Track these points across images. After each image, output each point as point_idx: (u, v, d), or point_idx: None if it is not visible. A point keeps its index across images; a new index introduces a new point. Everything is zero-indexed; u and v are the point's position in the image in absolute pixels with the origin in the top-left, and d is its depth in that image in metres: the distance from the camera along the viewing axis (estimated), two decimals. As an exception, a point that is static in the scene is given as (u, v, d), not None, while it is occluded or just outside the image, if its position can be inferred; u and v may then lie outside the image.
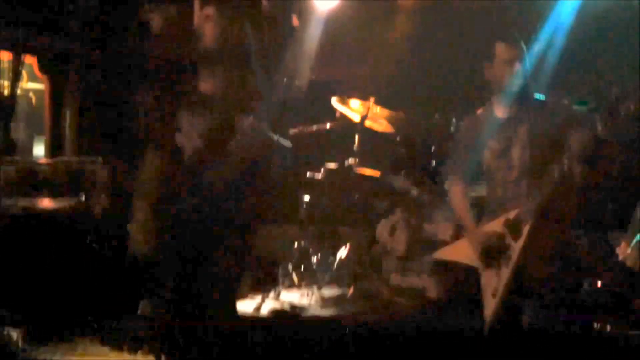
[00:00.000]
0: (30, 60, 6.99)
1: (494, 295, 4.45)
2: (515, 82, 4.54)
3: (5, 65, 6.80)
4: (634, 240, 5.65)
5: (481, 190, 4.98)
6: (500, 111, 4.64)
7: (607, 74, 7.30)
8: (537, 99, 4.61)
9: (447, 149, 6.59)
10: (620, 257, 5.64)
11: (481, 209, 4.79)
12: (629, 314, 5.47)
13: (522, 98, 4.57)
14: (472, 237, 4.61)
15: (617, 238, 5.78)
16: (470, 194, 4.91)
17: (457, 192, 4.85)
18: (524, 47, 4.59)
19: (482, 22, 8.05)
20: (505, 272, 4.42)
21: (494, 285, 4.46)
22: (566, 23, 7.13)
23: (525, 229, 4.38)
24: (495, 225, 4.51)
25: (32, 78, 7.51)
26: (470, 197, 4.85)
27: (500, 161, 4.57)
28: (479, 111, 4.81)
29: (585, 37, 7.45)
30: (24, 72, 6.96)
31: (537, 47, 5.20)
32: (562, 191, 4.36)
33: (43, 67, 6.81)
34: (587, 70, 7.48)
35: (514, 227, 4.40)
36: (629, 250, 5.63)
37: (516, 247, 4.41)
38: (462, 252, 4.74)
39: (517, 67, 4.56)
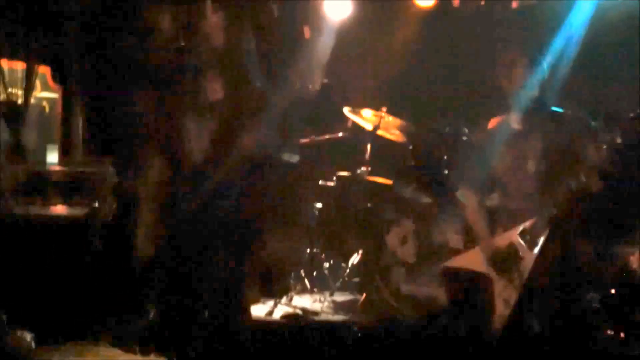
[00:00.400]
0: (43, 69, 7.05)
1: (506, 304, 4.44)
2: (531, 94, 4.53)
3: (19, 74, 6.85)
4: (644, 249, 5.63)
5: (495, 201, 4.97)
6: (516, 123, 4.63)
7: (621, 88, 7.32)
8: (552, 111, 4.60)
9: (459, 159, 6.59)
10: (633, 267, 5.62)
11: (495, 220, 4.78)
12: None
13: (538, 110, 4.56)
14: (486, 246, 4.60)
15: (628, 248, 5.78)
16: (484, 204, 4.89)
17: (471, 202, 4.84)
18: (540, 59, 4.59)
19: (497, 34, 8.07)
20: (519, 282, 4.40)
21: (506, 294, 4.45)
22: (579, 34, 7.13)
23: (541, 239, 4.37)
24: (510, 235, 4.50)
25: (45, 87, 7.56)
26: (484, 207, 4.84)
27: (515, 172, 4.56)
28: (495, 122, 4.80)
29: (601, 50, 7.45)
30: (37, 81, 7.01)
31: (553, 59, 5.17)
32: (577, 202, 4.34)
33: (56, 77, 6.88)
34: (603, 83, 7.49)
35: (529, 237, 4.38)
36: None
37: (531, 256, 4.39)
38: (475, 261, 4.74)
39: (533, 79, 4.56)
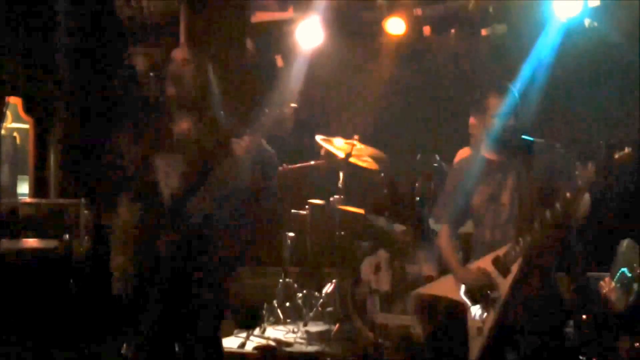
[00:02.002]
0: (15, 100, 7.02)
1: (480, 332, 4.44)
2: (503, 123, 4.54)
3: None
4: (617, 276, 5.68)
5: (468, 231, 4.98)
6: (490, 155, 4.64)
7: (593, 115, 7.41)
8: (526, 142, 4.61)
9: (431, 187, 6.62)
10: (604, 293, 5.66)
11: (468, 251, 4.78)
12: (614, 350, 5.48)
13: (511, 141, 4.57)
14: (459, 274, 4.60)
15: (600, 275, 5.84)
16: (457, 236, 4.90)
17: (444, 234, 4.84)
18: (512, 87, 4.61)
19: (468, 62, 8.14)
20: (493, 310, 4.40)
21: (480, 322, 4.45)
22: (548, 61, 7.20)
23: (515, 267, 4.38)
24: (483, 263, 4.50)
25: (17, 118, 7.52)
26: (457, 239, 4.84)
27: (489, 204, 4.57)
28: (468, 151, 4.82)
29: (571, 77, 7.54)
30: (8, 112, 6.97)
31: (524, 86, 5.20)
32: (551, 231, 4.36)
33: (28, 108, 6.85)
34: (574, 111, 7.58)
35: (502, 265, 4.39)
36: (612, 285, 5.65)
37: (505, 284, 4.40)
38: (448, 288, 4.72)
39: (505, 107, 4.57)
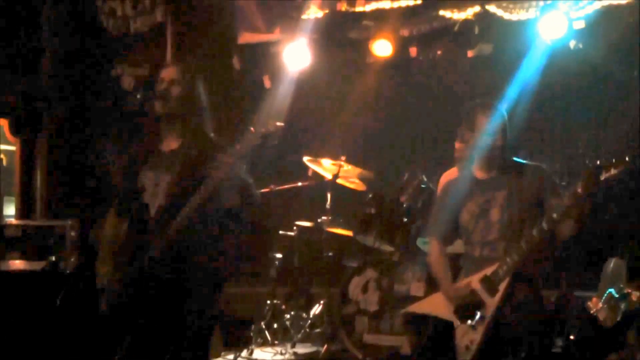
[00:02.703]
0: (1, 122, 7.01)
1: (467, 350, 4.44)
2: (492, 142, 4.56)
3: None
4: (605, 295, 5.69)
5: (458, 249, 4.99)
6: (479, 173, 4.66)
7: (582, 138, 7.45)
8: (515, 162, 4.64)
9: (419, 207, 6.63)
10: (592, 312, 5.67)
11: (457, 268, 4.79)
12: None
13: (500, 159, 4.60)
14: (448, 291, 4.61)
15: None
16: (447, 252, 4.90)
17: (434, 249, 4.85)
18: (500, 107, 4.64)
19: (454, 83, 8.18)
20: (480, 328, 4.41)
21: (468, 339, 4.45)
22: (534, 81, 7.25)
23: (502, 286, 4.39)
24: (471, 281, 4.51)
25: (3, 139, 7.52)
26: (446, 256, 4.85)
27: (478, 222, 4.59)
28: (458, 172, 4.83)
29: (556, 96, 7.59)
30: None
31: (511, 106, 5.22)
32: (538, 250, 4.38)
33: (14, 130, 6.84)
34: (563, 133, 7.62)
35: (490, 284, 4.40)
36: (599, 305, 5.67)
37: (492, 303, 4.41)
38: (437, 306, 4.72)
39: (493, 127, 4.60)
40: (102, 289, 4.17)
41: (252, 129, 3.97)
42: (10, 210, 7.26)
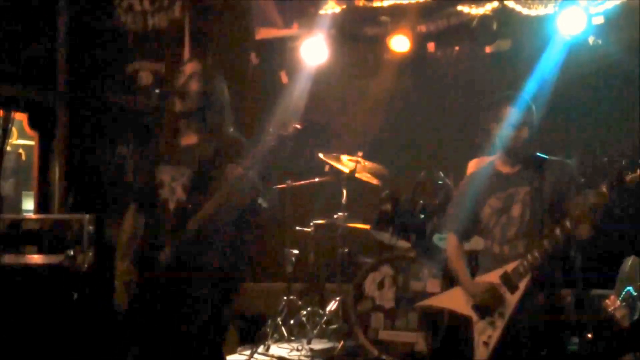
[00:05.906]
0: (20, 116, 7.04)
1: (485, 347, 4.42)
2: (516, 136, 4.51)
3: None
4: (622, 293, 5.66)
5: (476, 245, 4.96)
6: (502, 167, 4.62)
7: (600, 135, 7.40)
8: (539, 157, 4.59)
9: (435, 204, 6.61)
10: (609, 310, 5.64)
11: (476, 264, 4.76)
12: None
13: (524, 153, 4.55)
14: (468, 286, 4.58)
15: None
16: (466, 248, 4.88)
17: (452, 243, 4.81)
18: (529, 104, 4.59)
19: (472, 79, 8.15)
20: (499, 324, 4.39)
21: (486, 335, 4.43)
22: (552, 77, 7.21)
23: (523, 284, 4.37)
24: (492, 277, 4.48)
25: (22, 134, 7.55)
26: (466, 252, 4.82)
27: (499, 216, 4.55)
28: (477, 165, 4.80)
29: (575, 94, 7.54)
30: (14, 129, 7.00)
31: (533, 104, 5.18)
32: (559, 247, 4.34)
33: (33, 124, 6.87)
34: (581, 130, 7.57)
35: (511, 281, 4.38)
36: (617, 303, 5.64)
37: (512, 300, 4.39)
38: (455, 300, 4.69)
39: (521, 124, 4.54)
40: (118, 286, 4.17)
41: (270, 129, 3.96)
42: (29, 205, 7.30)
